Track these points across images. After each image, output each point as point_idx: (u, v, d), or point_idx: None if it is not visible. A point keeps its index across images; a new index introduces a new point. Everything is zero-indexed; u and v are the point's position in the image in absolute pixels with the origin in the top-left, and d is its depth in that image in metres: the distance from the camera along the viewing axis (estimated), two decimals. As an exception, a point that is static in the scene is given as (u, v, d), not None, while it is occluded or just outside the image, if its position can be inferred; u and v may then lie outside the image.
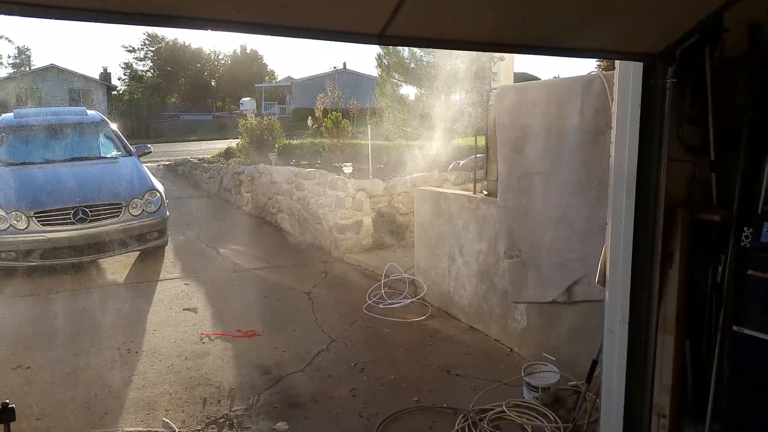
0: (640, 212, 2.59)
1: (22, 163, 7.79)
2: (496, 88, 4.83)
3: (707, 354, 2.57)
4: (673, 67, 2.42)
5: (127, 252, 7.47)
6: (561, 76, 4.58)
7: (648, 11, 2.14)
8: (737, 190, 2.45)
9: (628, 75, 2.56)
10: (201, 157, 17.49)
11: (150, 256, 7.89)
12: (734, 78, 2.49)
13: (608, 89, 3.48)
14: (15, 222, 6.72)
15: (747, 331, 2.42)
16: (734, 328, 2.46)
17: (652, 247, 2.58)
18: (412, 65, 11.80)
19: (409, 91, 13.58)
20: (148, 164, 9.34)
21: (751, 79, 2.43)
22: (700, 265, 2.58)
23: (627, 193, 2.60)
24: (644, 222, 2.59)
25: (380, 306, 5.90)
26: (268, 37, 1.80)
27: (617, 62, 2.64)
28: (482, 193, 5.28)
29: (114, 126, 9.24)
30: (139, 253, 7.84)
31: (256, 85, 43.59)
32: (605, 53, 2.58)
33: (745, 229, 2.41)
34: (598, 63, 12.00)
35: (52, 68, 40.50)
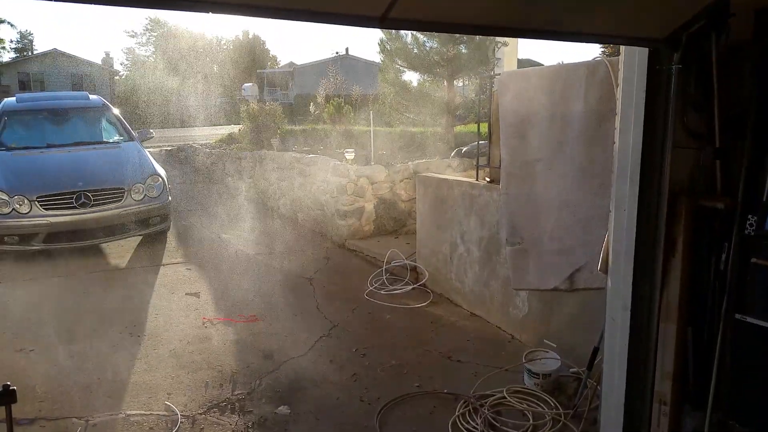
0: (644, 199, 2.57)
1: (24, 148, 7.78)
2: (499, 74, 4.79)
3: (709, 342, 2.57)
4: (679, 52, 2.39)
5: (129, 237, 7.48)
6: (565, 63, 4.55)
7: (654, -5, 2.11)
8: (742, 177, 2.43)
9: (633, 61, 2.53)
10: (203, 142, 17.46)
11: (152, 241, 7.90)
12: (740, 64, 2.46)
13: (613, 75, 3.45)
14: (18, 206, 6.72)
15: (750, 320, 2.41)
16: (737, 316, 2.45)
17: (655, 234, 2.57)
18: (415, 51, 11.71)
19: (411, 77, 13.52)
20: (150, 149, 9.34)
21: (757, 65, 2.40)
22: (704, 253, 2.57)
23: (630, 180, 2.58)
24: (647, 209, 2.57)
25: (382, 292, 5.91)
26: (270, 20, 1.78)
27: (622, 48, 2.61)
28: (484, 179, 5.26)
29: (116, 111, 9.22)
30: (141, 237, 7.85)
31: (258, 71, 43.40)
32: (610, 38, 2.55)
33: (750, 217, 2.39)
34: (602, 49, 11.91)
35: (54, 53, 40.35)
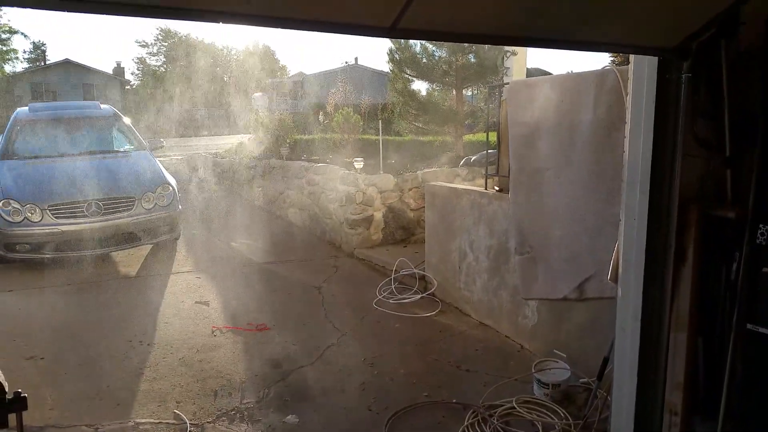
0: (654, 208, 2.56)
1: (36, 157, 7.86)
2: (508, 83, 4.80)
3: (720, 352, 2.55)
4: (689, 61, 2.39)
5: (139, 245, 7.52)
6: (574, 71, 4.54)
7: (663, 4, 2.11)
8: (752, 186, 2.41)
9: (642, 69, 2.52)
10: (213, 151, 17.55)
11: (162, 250, 7.94)
12: (750, 72, 2.45)
13: (622, 84, 3.45)
14: (29, 215, 6.78)
15: (761, 330, 2.39)
16: (748, 326, 2.43)
17: (665, 243, 2.56)
18: (424, 60, 11.75)
19: (420, 86, 13.53)
20: (160, 158, 9.40)
21: (767, 73, 2.39)
22: (714, 263, 2.55)
23: (640, 188, 2.57)
24: (657, 218, 2.56)
25: (390, 301, 5.90)
26: (279, 30, 1.79)
27: (631, 56, 2.61)
28: (493, 188, 5.26)
29: (127, 120, 9.30)
30: (151, 246, 7.89)
31: (268, 81, 43.61)
32: (619, 47, 2.55)
33: (761, 226, 2.37)
34: (611, 58, 11.89)
35: (66, 63, 40.83)
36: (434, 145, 12.07)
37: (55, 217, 6.86)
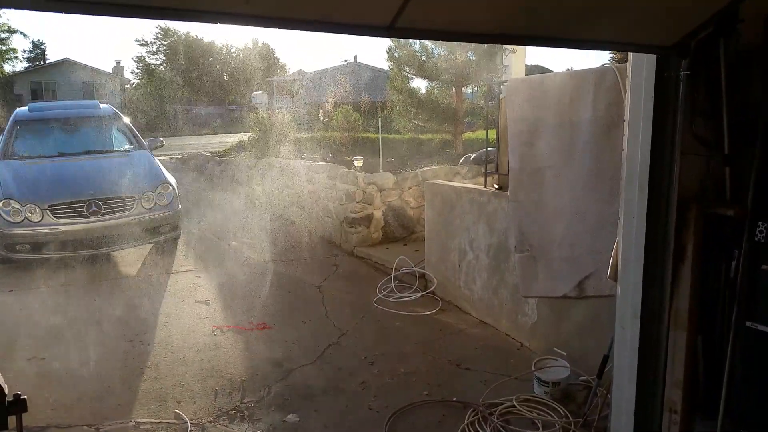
0: (653, 207, 2.56)
1: (36, 157, 7.85)
2: (507, 81, 4.79)
3: (720, 350, 2.55)
4: (687, 59, 2.39)
5: (139, 245, 7.52)
6: (574, 69, 4.54)
7: (662, 2, 2.11)
8: (751, 184, 2.41)
9: (641, 67, 2.52)
10: (213, 150, 17.55)
11: (162, 249, 7.93)
12: (749, 71, 2.45)
13: (621, 82, 3.45)
14: (29, 215, 6.78)
15: (760, 327, 2.39)
16: (747, 323, 2.43)
17: (665, 242, 2.56)
18: (423, 58, 11.74)
19: (420, 84, 13.52)
20: (160, 158, 9.40)
21: (766, 71, 2.39)
22: (713, 261, 2.55)
23: (639, 187, 2.57)
24: (657, 217, 2.56)
25: (390, 300, 5.91)
26: (278, 30, 1.79)
27: (630, 54, 2.61)
28: (493, 187, 5.26)
29: (127, 119, 9.29)
30: (151, 246, 7.89)
31: (267, 79, 43.57)
32: (618, 45, 2.56)
33: (760, 224, 2.38)
34: (611, 56, 11.88)
35: (66, 62, 40.82)
36: (434, 143, 12.08)
37: (55, 217, 6.85)
